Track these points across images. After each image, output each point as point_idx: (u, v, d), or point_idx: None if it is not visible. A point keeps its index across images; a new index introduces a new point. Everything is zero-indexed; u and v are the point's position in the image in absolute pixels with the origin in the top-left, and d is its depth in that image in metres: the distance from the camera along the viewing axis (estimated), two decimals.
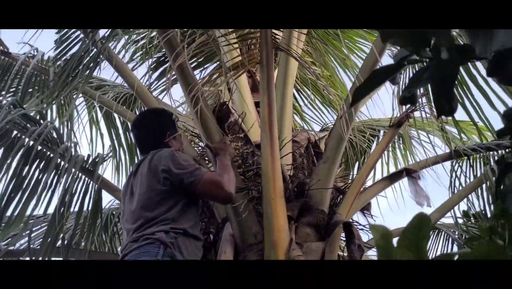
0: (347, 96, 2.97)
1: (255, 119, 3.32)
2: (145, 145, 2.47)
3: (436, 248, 4.07)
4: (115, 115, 4.40)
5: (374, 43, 2.71)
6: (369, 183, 3.42)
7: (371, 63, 2.78)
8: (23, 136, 3.07)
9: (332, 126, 4.74)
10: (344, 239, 2.77)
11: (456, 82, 3.91)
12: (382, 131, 4.75)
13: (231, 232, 2.63)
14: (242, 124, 3.18)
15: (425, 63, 1.01)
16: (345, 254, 2.67)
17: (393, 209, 3.79)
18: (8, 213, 3.15)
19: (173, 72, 2.69)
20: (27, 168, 3.18)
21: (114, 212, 3.98)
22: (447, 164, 3.81)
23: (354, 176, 4.02)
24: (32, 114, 3.11)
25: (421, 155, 4.09)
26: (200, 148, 3.12)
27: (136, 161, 3.57)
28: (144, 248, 2.04)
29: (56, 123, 3.71)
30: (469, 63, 4.04)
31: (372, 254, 3.18)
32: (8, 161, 3.17)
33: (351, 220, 2.85)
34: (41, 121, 3.03)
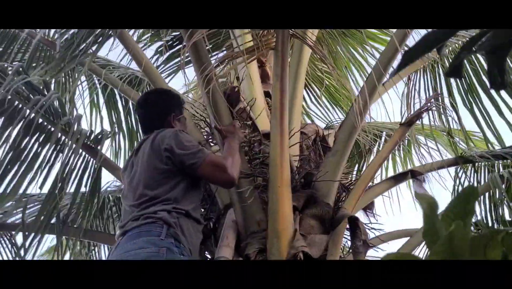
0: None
1: (264, 108, 3.27)
2: (148, 124, 2.40)
3: None
4: (117, 98, 4.33)
5: (395, 34, 2.66)
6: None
7: (390, 53, 2.74)
8: (24, 108, 2.98)
9: (337, 124, 4.73)
10: (348, 234, 2.72)
11: (467, 88, 3.89)
12: (384, 133, 4.73)
13: (233, 218, 2.56)
14: (251, 112, 3.12)
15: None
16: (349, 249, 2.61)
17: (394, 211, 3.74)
18: (4, 185, 3.07)
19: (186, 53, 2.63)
20: (26, 140, 3.10)
21: (110, 195, 3.90)
22: (453, 169, 3.77)
23: (361, 172, 3.99)
24: (35, 83, 3.01)
25: (423, 158, 4.06)
26: (206, 132, 3.06)
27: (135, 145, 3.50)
28: (146, 227, 1.97)
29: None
30: (480, 69, 4.03)
31: (372, 253, 3.12)
32: (7, 132, 3.09)
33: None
34: (45, 92, 2.94)
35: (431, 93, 3.96)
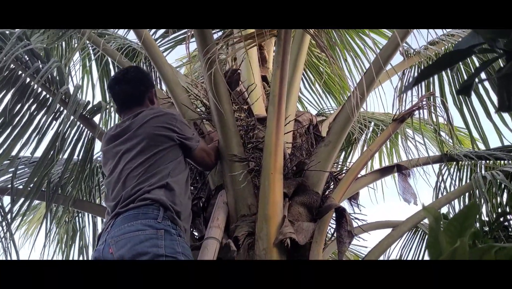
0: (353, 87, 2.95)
1: (261, 94, 3.29)
2: (129, 100, 2.37)
3: (410, 246, 4.16)
4: (111, 67, 4.29)
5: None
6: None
7: (390, 50, 2.78)
8: (24, 74, 2.95)
9: (329, 112, 4.79)
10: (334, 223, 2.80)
11: (458, 88, 3.97)
12: (373, 124, 4.81)
13: (225, 200, 2.61)
14: (247, 96, 3.15)
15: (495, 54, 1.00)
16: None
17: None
18: None
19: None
20: (20, 105, 3.08)
21: (99, 165, 3.90)
22: (437, 166, 3.87)
23: (349, 163, 4.07)
24: (36, 48, 2.97)
25: (410, 152, 4.15)
26: (200, 111, 3.08)
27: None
28: (142, 209, 1.99)
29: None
30: (472, 70, 4.10)
31: (355, 242, 3.21)
32: (1, 95, 3.07)
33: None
34: (45, 59, 2.91)
35: (423, 90, 4.04)
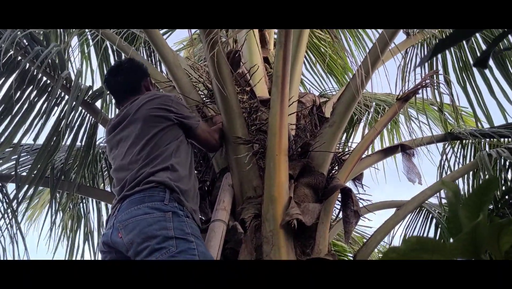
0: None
1: (262, 75, 3.26)
2: (126, 90, 2.41)
3: (415, 226, 4.17)
4: (110, 52, 4.25)
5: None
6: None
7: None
8: (23, 60, 2.90)
9: (330, 93, 4.76)
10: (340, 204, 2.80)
11: (462, 66, 3.94)
12: (374, 104, 4.79)
13: (230, 182, 2.60)
14: (249, 77, 3.12)
15: None
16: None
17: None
18: None
19: None
20: (20, 90, 3.05)
21: (102, 151, 3.89)
22: (441, 145, 3.86)
23: (350, 144, 4.06)
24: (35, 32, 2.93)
25: (413, 132, 4.13)
26: (203, 94, 3.05)
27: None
28: (148, 192, 1.99)
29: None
30: (476, 48, 4.07)
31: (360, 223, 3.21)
32: (1, 81, 3.04)
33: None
34: (44, 43, 2.87)
35: (426, 69, 4.00)
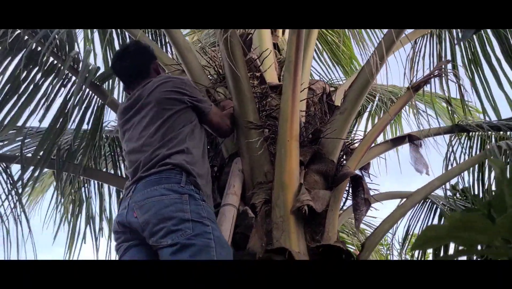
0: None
1: (272, 61, 3.23)
2: (134, 74, 2.37)
3: (418, 217, 4.16)
4: (114, 35, 4.19)
5: None
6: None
7: None
8: (27, 38, 2.86)
9: (337, 82, 4.73)
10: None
11: (471, 58, 3.91)
12: (378, 95, 4.77)
13: (240, 167, 2.58)
14: (259, 63, 3.09)
15: None
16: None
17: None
18: (1, 115, 3.00)
19: None
20: (26, 72, 3.01)
21: (106, 135, 3.85)
22: (448, 137, 3.85)
23: (354, 134, 4.04)
24: None
25: (420, 123, 4.12)
26: (213, 78, 3.02)
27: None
28: (165, 173, 1.97)
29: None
30: (485, 40, 4.04)
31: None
32: (7, 61, 2.99)
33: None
34: None
35: (435, 60, 3.97)
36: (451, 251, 3.84)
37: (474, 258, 3.03)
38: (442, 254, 4.04)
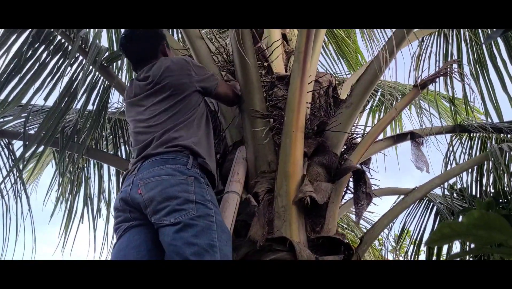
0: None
1: (280, 52, 3.22)
2: (143, 56, 2.37)
3: (415, 214, 4.19)
4: None
5: None
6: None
7: None
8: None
9: (341, 76, 4.73)
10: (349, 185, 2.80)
11: (476, 58, 3.92)
12: (380, 91, 4.78)
13: (244, 155, 2.59)
14: (267, 53, 3.10)
15: None
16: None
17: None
18: (6, 92, 2.98)
19: None
20: (32, 49, 2.99)
21: (110, 117, 3.85)
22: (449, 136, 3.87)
23: (353, 129, 4.05)
24: None
25: (422, 122, 4.13)
26: (220, 64, 3.01)
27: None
28: (172, 154, 1.99)
29: None
30: (492, 42, 4.05)
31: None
32: (13, 37, 2.97)
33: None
34: None
35: (441, 58, 3.98)
36: (450, 251, 3.88)
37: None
38: (435, 252, 4.09)
